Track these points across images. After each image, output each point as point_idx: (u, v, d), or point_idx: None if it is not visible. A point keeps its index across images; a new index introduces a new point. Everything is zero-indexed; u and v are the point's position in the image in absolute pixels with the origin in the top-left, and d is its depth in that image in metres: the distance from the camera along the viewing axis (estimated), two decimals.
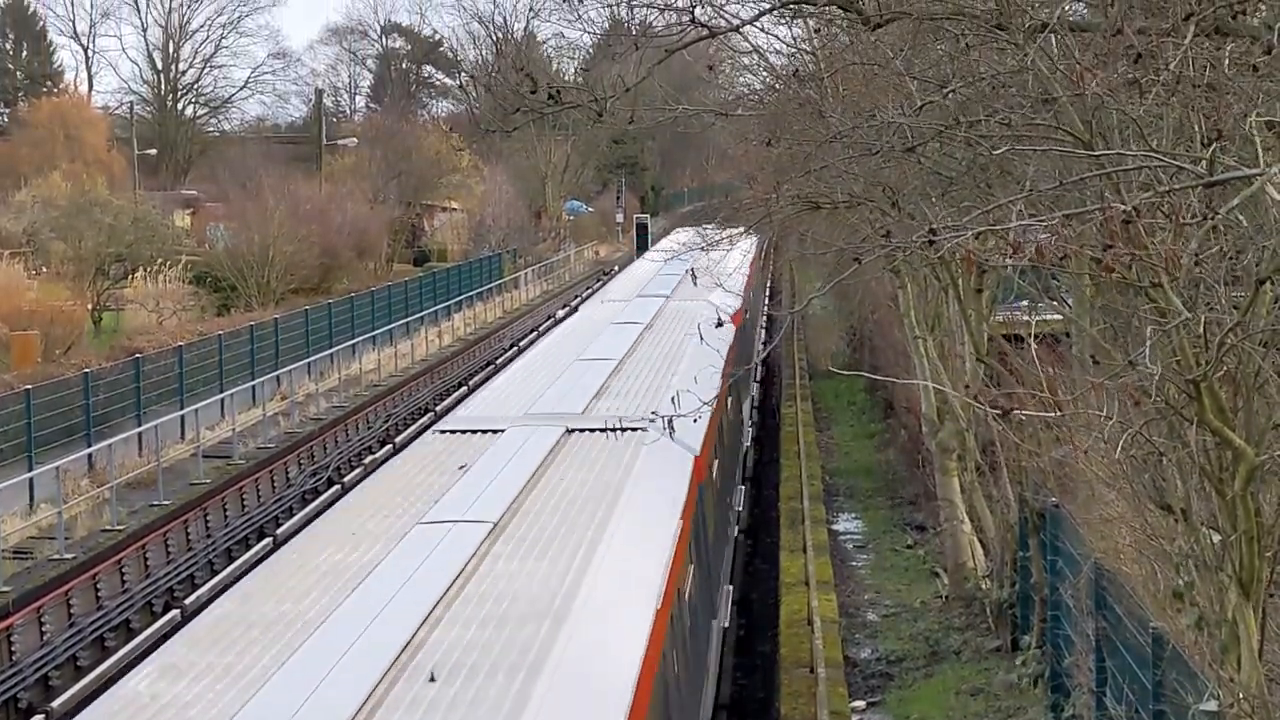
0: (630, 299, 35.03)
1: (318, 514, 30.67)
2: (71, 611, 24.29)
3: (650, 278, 40.50)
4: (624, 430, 17.57)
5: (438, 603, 11.30)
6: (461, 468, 16.14)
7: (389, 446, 38.21)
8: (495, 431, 18.08)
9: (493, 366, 46.59)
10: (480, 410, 21.13)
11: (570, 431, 17.73)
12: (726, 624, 19.31)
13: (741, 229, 27.89)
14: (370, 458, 37.36)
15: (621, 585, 12.39)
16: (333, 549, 13.19)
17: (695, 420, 15.45)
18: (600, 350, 25.11)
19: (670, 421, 12.43)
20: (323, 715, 9.22)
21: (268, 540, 30.14)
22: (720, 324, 20.15)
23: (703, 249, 28.54)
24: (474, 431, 18.33)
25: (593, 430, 17.74)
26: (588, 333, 28.95)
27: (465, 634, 10.68)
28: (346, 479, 32.59)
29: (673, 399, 11.83)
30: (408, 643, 10.43)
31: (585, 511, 14.25)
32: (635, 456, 16.67)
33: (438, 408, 42.96)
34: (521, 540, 13.21)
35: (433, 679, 9.76)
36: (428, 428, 23.93)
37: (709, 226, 27.91)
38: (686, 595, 15.16)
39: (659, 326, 29.16)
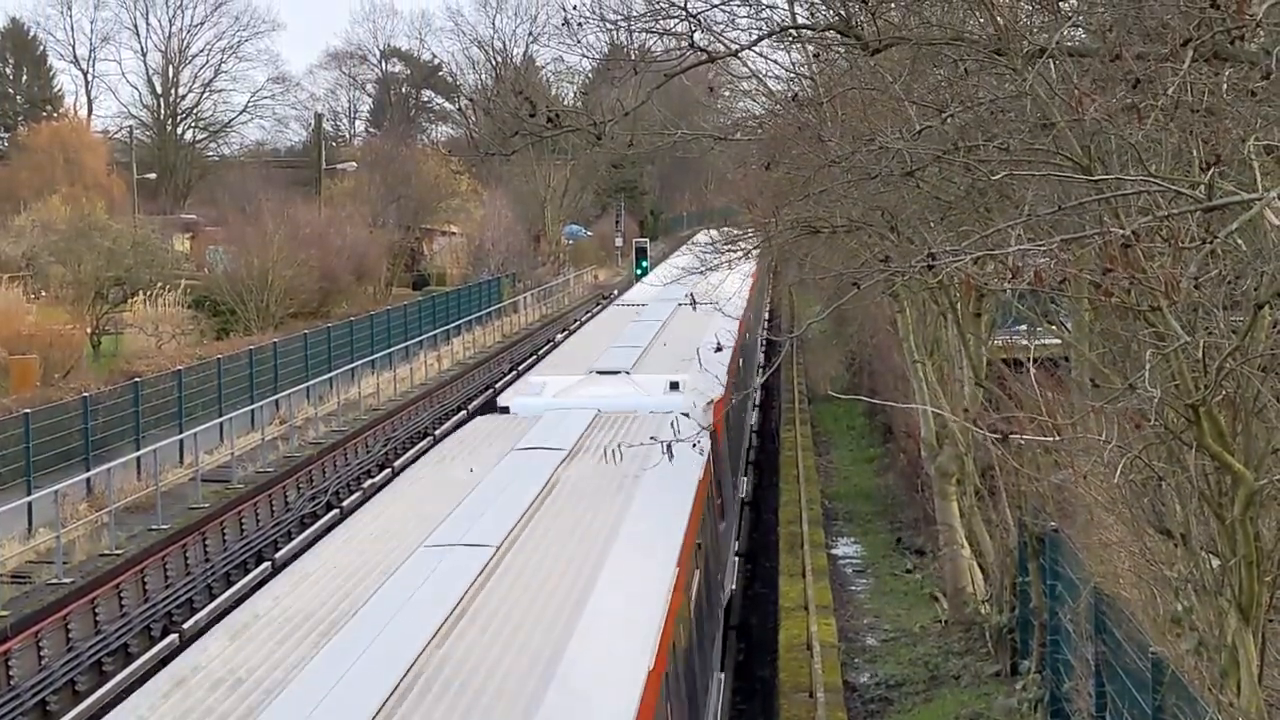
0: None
1: (316, 538, 30.72)
2: (70, 636, 24.24)
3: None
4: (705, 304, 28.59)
5: (664, 320, 35.31)
6: (637, 314, 38.54)
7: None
8: (642, 305, 40.82)
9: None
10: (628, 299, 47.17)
11: (680, 304, 32.13)
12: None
13: (741, 253, 28.00)
14: (369, 481, 37.34)
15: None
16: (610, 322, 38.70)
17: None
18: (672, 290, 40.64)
19: (669, 447, 12.43)
20: None
21: (266, 565, 30.11)
22: (719, 349, 20.65)
23: (701, 273, 28.73)
24: (633, 304, 42.40)
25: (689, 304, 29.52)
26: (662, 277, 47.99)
27: (672, 343, 29.26)
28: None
29: (672, 424, 13.15)
30: (661, 327, 33.82)
31: (696, 319, 29.52)
32: (711, 316, 29.64)
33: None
34: (677, 323, 32.69)
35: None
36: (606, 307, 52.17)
37: (724, 234, 32.12)
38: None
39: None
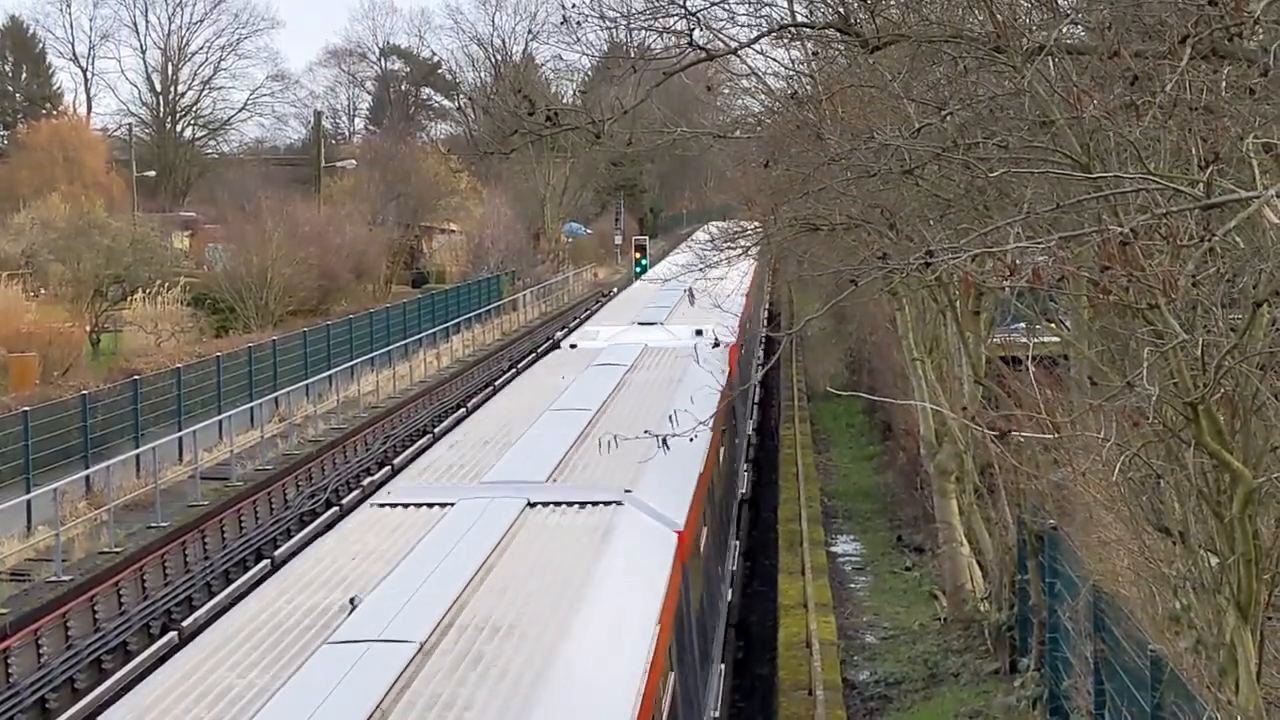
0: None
1: (315, 536, 30.80)
2: (69, 634, 24.25)
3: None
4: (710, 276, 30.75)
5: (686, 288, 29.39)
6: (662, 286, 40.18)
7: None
8: (667, 280, 39.67)
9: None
10: (656, 273, 50.74)
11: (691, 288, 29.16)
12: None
13: (740, 250, 28.04)
14: (369, 479, 37.33)
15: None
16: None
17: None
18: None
19: (664, 440, 12.68)
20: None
21: (265, 562, 30.10)
22: (717, 344, 21.41)
23: (699, 270, 28.80)
24: (659, 279, 43.63)
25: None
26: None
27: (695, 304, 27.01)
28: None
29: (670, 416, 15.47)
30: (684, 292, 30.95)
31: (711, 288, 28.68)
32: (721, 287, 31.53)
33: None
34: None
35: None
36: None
37: (723, 230, 33.48)
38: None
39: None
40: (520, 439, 18.65)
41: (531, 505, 14.84)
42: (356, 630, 10.99)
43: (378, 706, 9.62)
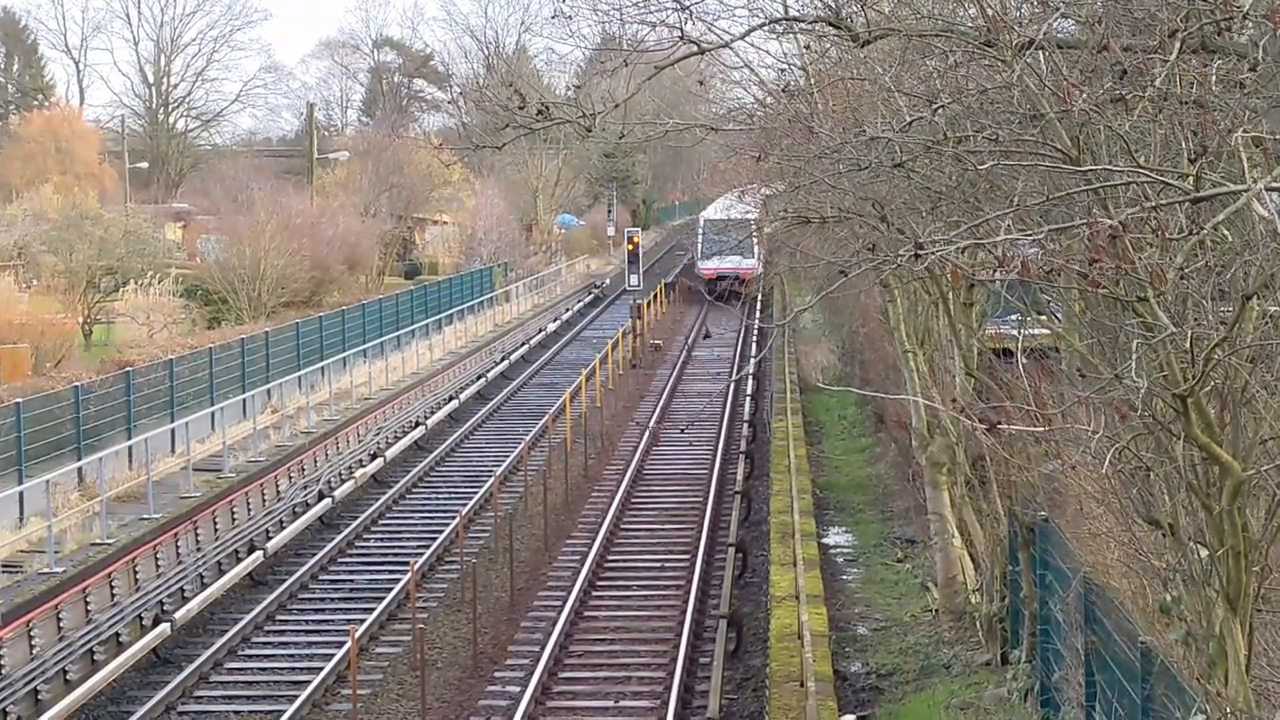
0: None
1: (307, 528, 30.82)
2: (61, 625, 24.25)
3: None
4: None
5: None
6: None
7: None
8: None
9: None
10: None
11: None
12: None
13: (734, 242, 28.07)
14: (361, 471, 37.35)
15: None
16: None
17: None
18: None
19: None
20: None
21: (258, 553, 30.13)
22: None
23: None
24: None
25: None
26: None
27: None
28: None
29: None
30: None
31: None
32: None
33: None
34: None
35: None
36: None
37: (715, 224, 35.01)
38: None
39: None
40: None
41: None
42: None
43: None
